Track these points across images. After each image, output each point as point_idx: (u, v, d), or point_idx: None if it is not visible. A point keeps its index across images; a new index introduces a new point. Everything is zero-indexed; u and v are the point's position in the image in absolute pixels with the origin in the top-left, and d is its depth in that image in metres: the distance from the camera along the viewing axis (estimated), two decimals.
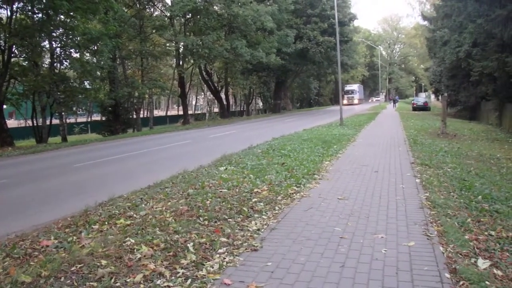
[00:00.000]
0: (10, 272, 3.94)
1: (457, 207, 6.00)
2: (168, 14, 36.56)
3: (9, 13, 23.56)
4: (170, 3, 36.02)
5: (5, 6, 23.61)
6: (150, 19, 35.80)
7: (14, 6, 23.14)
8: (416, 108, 48.28)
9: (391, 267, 3.94)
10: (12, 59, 24.44)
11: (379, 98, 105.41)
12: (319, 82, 78.82)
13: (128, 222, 5.42)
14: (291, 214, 5.85)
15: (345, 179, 8.32)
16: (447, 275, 3.72)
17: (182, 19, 38.46)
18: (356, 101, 79.30)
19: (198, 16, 35.71)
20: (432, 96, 69.91)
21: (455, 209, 5.87)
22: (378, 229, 5.08)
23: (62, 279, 3.80)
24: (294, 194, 6.93)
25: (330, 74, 68.60)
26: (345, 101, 70.08)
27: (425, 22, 41.52)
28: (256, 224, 5.37)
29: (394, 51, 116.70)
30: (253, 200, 6.42)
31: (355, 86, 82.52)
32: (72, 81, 28.39)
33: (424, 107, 48.33)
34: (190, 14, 36.86)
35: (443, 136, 17.24)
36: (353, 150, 12.95)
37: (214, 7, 36.47)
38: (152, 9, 39.09)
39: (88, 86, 29.66)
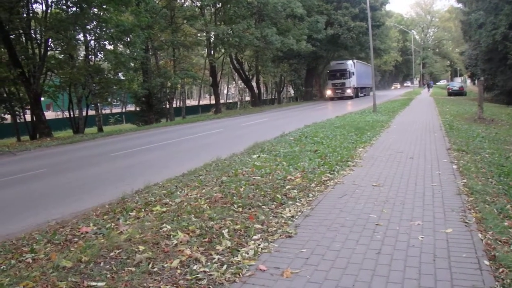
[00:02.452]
0: (51, 257, 4.08)
1: (496, 193, 5.83)
2: (199, 4, 36.66)
3: (44, 7, 24.17)
4: None
5: (40, 1, 24.25)
6: (181, 10, 35.92)
7: (49, 0, 23.69)
8: (452, 93, 47.15)
9: (428, 254, 3.88)
10: (48, 52, 25.08)
11: (409, 84, 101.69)
12: None
13: (164, 209, 5.51)
14: (325, 201, 5.81)
15: (380, 165, 8.20)
16: (486, 262, 3.63)
17: (213, 9, 38.52)
18: (349, 92, 46.13)
19: (228, 5, 35.63)
20: (468, 81, 68.06)
21: (493, 195, 5.71)
22: (414, 216, 5.00)
23: (102, 264, 3.91)
24: (328, 181, 6.87)
25: (363, 60, 67.35)
26: (328, 92, 47.97)
27: (459, 5, 40.39)
28: (290, 211, 5.36)
29: (427, 35, 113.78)
30: (287, 187, 6.40)
31: (348, 64, 47.45)
32: (106, 72, 28.97)
33: (460, 92, 47.13)
34: (220, 4, 36.87)
35: (480, 121, 16.75)
36: (387, 136, 12.76)
37: None
38: (182, 0, 39.24)
39: (122, 77, 30.18)
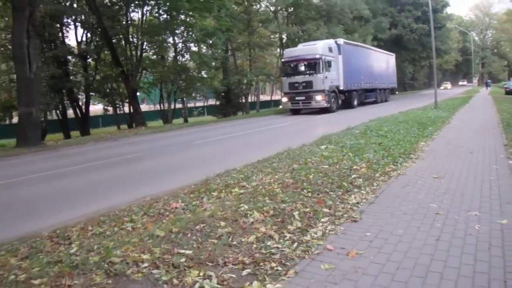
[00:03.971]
0: (147, 227, 4.33)
1: None
2: (273, 9, 36.74)
3: (140, 15, 25.38)
4: None
5: (137, 10, 25.49)
6: (257, 14, 36.15)
7: (144, 9, 24.96)
8: (509, 92, 43.90)
9: (484, 242, 3.74)
10: (144, 54, 26.31)
11: (464, 82, 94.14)
12: (414, 67, 72.59)
13: (242, 191, 5.61)
14: (388, 190, 5.67)
15: (441, 159, 7.85)
16: None
17: (285, 12, 38.38)
18: (319, 100, 21.62)
19: (300, 9, 35.45)
20: None
21: None
22: (472, 207, 4.78)
23: (189, 235, 4.07)
24: (391, 172, 6.68)
25: (425, 59, 63.89)
26: (284, 100, 23.91)
27: None
28: (355, 198, 5.28)
29: (486, 37, 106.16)
30: (352, 176, 6.28)
31: (318, 47, 22.34)
32: (191, 71, 29.81)
33: None
34: (292, 8, 36.70)
35: None
36: (448, 131, 12.15)
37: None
38: (258, 5, 39.37)
39: (204, 75, 30.98)
